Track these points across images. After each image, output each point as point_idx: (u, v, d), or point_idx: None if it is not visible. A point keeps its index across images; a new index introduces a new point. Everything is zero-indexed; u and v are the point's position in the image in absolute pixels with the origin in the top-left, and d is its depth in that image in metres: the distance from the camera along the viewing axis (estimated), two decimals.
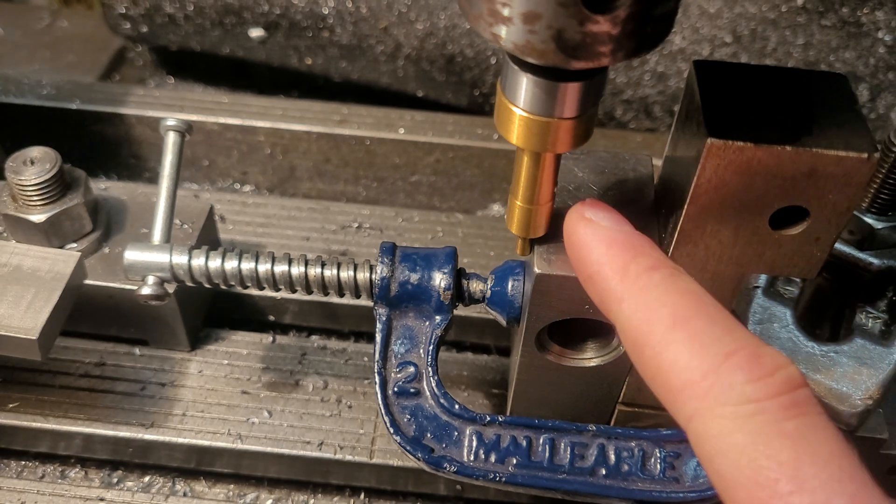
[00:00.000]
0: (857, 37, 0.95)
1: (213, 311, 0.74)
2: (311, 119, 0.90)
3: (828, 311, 0.62)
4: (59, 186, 0.64)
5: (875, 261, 0.58)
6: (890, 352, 0.56)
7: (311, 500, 0.67)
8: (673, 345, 0.37)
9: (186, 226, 0.69)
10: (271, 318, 0.76)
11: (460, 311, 0.70)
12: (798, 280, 0.60)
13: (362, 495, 0.68)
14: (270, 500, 0.67)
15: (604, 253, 0.42)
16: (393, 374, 0.53)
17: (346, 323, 0.76)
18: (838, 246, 0.58)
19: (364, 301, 0.73)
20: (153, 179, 0.94)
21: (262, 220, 0.80)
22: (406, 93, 1.04)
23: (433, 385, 0.52)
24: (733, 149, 0.40)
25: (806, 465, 0.33)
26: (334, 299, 0.73)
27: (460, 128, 0.90)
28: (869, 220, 0.57)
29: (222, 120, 0.89)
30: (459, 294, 0.55)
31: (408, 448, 0.51)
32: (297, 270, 0.55)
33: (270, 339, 0.71)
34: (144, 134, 0.91)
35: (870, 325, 0.58)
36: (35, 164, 0.63)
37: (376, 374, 0.53)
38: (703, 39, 0.96)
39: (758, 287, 0.59)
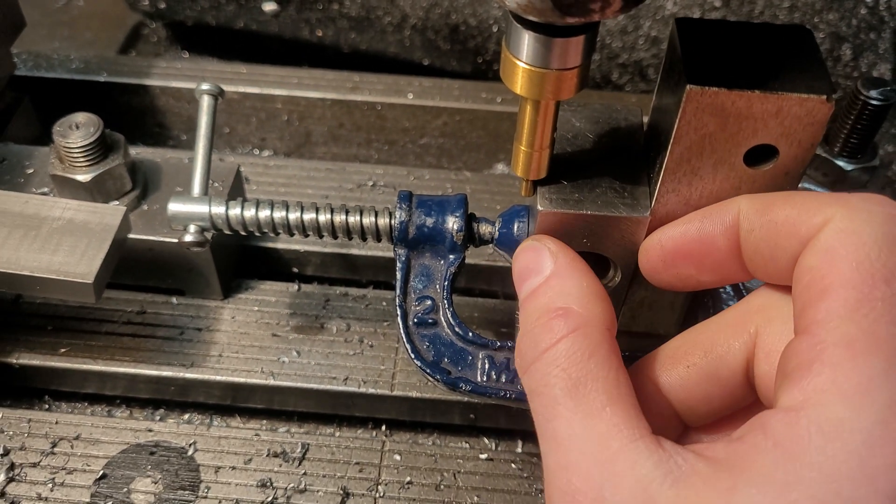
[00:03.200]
0: None
1: (242, 263, 0.80)
2: (326, 87, 0.95)
3: None
4: (101, 148, 0.70)
5: None
6: None
7: (337, 433, 0.74)
8: None
9: (217, 184, 0.75)
10: (295, 269, 0.82)
11: (471, 259, 0.77)
12: None
13: (384, 427, 0.74)
14: (300, 433, 0.73)
15: None
16: (413, 307, 0.59)
17: (365, 273, 0.82)
18: (813, 187, 0.64)
19: (381, 252, 0.79)
20: (177, 146, 1.00)
21: (284, 181, 0.85)
22: (413, 61, 1.10)
23: (448, 316, 0.59)
24: (709, 94, 0.46)
25: None
26: (354, 250, 0.80)
27: (466, 92, 0.96)
28: (840, 163, 0.63)
29: (242, 89, 0.95)
30: (470, 236, 0.60)
31: (427, 371, 0.57)
32: (323, 217, 0.61)
33: (296, 287, 0.77)
34: (168, 104, 0.97)
35: None
36: (80, 129, 0.69)
37: (398, 308, 0.59)
38: (694, 4, 1.01)
39: None
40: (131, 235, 0.70)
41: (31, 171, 0.75)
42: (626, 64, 1.05)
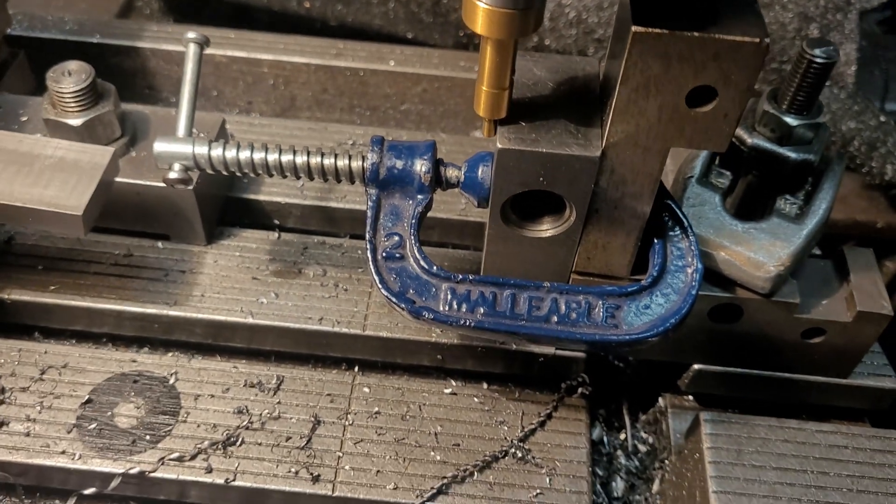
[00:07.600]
0: None
1: (225, 215, 0.84)
2: (311, 52, 0.99)
3: (758, 203, 0.72)
4: (92, 95, 0.73)
5: (793, 154, 0.67)
6: (801, 228, 0.66)
7: (313, 373, 0.78)
8: None
9: (203, 135, 0.78)
10: (276, 221, 0.86)
11: (445, 214, 0.81)
12: (727, 172, 0.71)
13: (356, 368, 0.78)
14: (278, 371, 0.77)
15: None
16: (382, 243, 0.63)
17: (343, 226, 0.86)
18: (762, 143, 0.68)
19: (359, 205, 0.83)
20: (167, 107, 1.03)
21: (268, 138, 0.89)
22: (396, 34, 1.14)
23: (415, 251, 0.63)
24: (652, 35, 0.50)
25: None
26: (332, 203, 0.83)
27: (445, 61, 1.00)
28: (787, 119, 0.67)
29: (229, 53, 0.99)
30: (438, 179, 0.64)
31: (394, 300, 0.61)
32: (300, 159, 0.65)
33: (276, 235, 0.81)
34: (158, 66, 1.01)
35: (787, 208, 0.69)
36: (72, 75, 0.73)
37: (368, 243, 0.63)
38: None
39: (692, 177, 0.69)
40: (120, 179, 0.73)
41: (25, 118, 0.79)
42: (601, 39, 1.09)
